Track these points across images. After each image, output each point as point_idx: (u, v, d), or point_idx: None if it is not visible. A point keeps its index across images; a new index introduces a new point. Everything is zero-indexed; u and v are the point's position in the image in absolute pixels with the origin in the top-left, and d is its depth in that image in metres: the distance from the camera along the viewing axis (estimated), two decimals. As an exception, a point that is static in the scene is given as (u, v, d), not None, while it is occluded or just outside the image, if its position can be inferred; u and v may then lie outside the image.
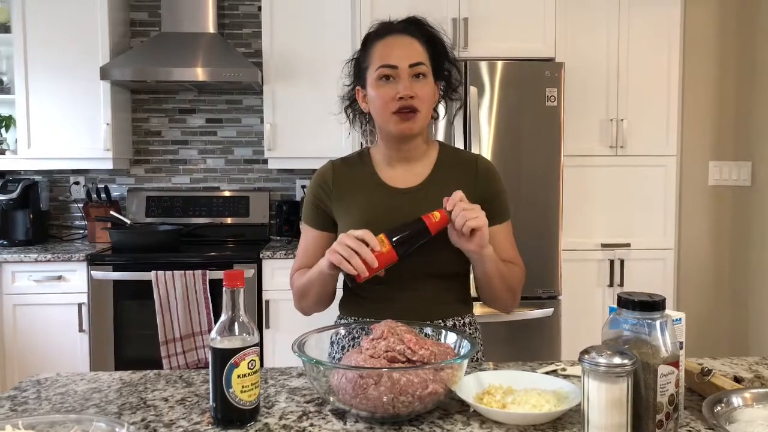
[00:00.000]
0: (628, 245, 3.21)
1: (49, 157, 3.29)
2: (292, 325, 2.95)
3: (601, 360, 0.88)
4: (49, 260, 2.99)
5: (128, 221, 3.34)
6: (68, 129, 3.27)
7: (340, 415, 1.05)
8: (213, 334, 1.00)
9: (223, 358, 0.98)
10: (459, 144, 2.87)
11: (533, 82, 2.92)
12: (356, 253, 1.19)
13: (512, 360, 1.37)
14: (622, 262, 3.19)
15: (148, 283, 2.90)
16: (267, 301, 3.06)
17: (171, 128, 3.67)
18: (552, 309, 2.95)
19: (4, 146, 3.43)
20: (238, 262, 3.06)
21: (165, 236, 3.28)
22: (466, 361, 1.04)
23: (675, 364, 0.93)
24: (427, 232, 1.25)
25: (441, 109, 1.51)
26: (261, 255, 3.06)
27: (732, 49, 3.51)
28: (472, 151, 2.80)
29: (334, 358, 1.36)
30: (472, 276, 1.43)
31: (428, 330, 1.21)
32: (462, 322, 1.44)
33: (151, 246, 3.16)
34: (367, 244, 1.20)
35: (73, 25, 3.23)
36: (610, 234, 3.21)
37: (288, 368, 1.31)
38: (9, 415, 1.08)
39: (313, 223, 1.46)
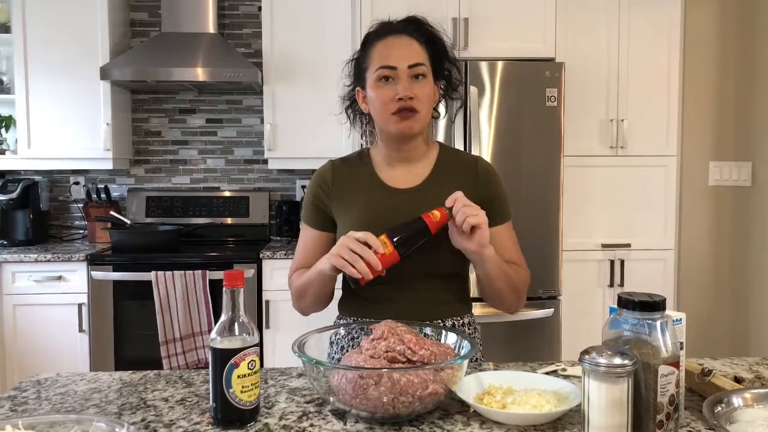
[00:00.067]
0: (628, 245, 3.21)
1: (49, 157, 3.29)
2: (292, 325, 2.95)
3: (602, 360, 0.88)
4: (49, 260, 2.99)
5: (128, 221, 3.34)
6: (68, 129, 3.27)
7: (340, 415, 1.05)
8: (213, 334, 1.00)
9: (223, 358, 0.98)
10: (459, 144, 2.87)
11: (533, 83, 2.92)
12: (360, 256, 1.19)
13: (512, 360, 1.37)
14: (622, 262, 3.19)
15: (148, 284, 2.90)
16: (267, 302, 3.06)
17: (171, 128, 3.67)
18: (552, 309, 2.95)
19: (4, 146, 3.43)
20: (238, 262, 3.06)
21: (165, 236, 3.28)
22: (466, 362, 1.04)
23: (675, 364, 0.93)
24: (428, 231, 1.25)
25: (441, 108, 1.51)
26: (261, 255, 3.06)
27: (732, 49, 3.51)
28: (473, 152, 2.81)
29: (333, 358, 1.37)
30: (472, 276, 1.43)
31: (428, 330, 1.21)
32: (461, 322, 1.44)
33: (151, 246, 3.16)
34: (370, 247, 1.20)
35: (73, 25, 3.23)
36: (610, 234, 3.21)
37: (288, 368, 1.31)
38: (9, 415, 1.07)
39: (312, 222, 1.46)
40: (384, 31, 1.40)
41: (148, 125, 3.66)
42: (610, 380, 0.88)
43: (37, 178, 3.47)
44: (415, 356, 1.04)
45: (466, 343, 1.13)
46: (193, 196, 3.56)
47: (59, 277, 3.01)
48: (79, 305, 3.00)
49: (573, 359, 1.30)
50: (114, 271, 2.99)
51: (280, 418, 1.05)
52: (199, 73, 3.13)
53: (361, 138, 1.65)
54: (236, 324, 1.00)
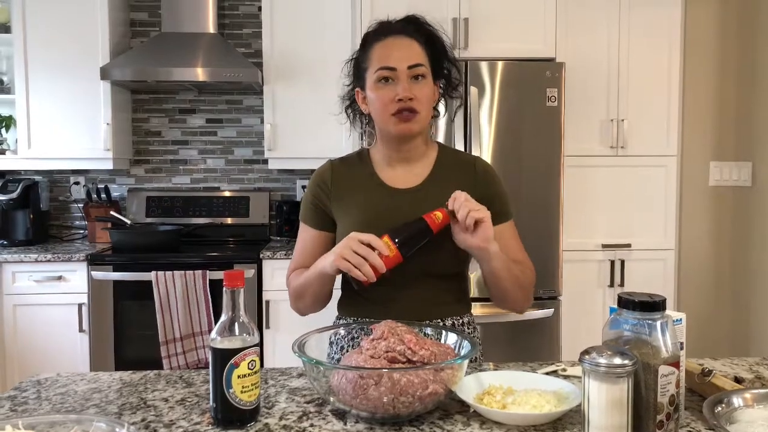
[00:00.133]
0: (628, 246, 3.21)
1: (50, 157, 3.29)
2: (292, 325, 2.95)
3: (602, 360, 0.88)
4: (49, 260, 2.99)
5: (128, 221, 3.34)
6: (68, 129, 3.27)
7: (341, 415, 1.05)
8: (213, 334, 1.00)
9: (224, 358, 0.98)
10: (460, 145, 2.87)
11: (534, 83, 2.92)
12: (365, 259, 1.19)
13: (512, 360, 1.37)
14: (622, 262, 3.19)
15: (148, 284, 2.90)
16: (267, 302, 3.06)
17: (171, 128, 3.67)
18: (552, 309, 2.95)
19: (4, 146, 3.43)
20: (238, 262, 3.06)
21: (165, 236, 3.28)
22: (466, 362, 1.04)
23: (675, 364, 0.93)
24: (430, 231, 1.25)
25: (441, 107, 1.51)
26: (261, 255, 3.06)
27: (732, 49, 3.51)
28: (473, 152, 2.81)
29: (333, 358, 1.37)
30: (472, 276, 1.43)
31: (429, 330, 1.21)
32: (461, 321, 1.44)
33: (151, 246, 3.16)
34: (374, 249, 1.20)
35: (74, 25, 3.23)
36: (610, 234, 3.21)
37: (288, 368, 1.31)
38: (9, 415, 1.07)
39: (311, 222, 1.46)
40: (383, 31, 1.39)
41: (149, 125, 3.66)
42: (610, 380, 0.88)
43: (37, 178, 3.47)
44: (415, 356, 1.04)
45: (466, 343, 1.13)
46: (193, 196, 3.56)
47: (59, 277, 3.01)
48: (80, 305, 3.00)
49: (573, 359, 1.30)
50: (114, 271, 2.99)
51: (281, 418, 1.05)
52: (199, 73, 3.13)
53: (361, 138, 1.65)
54: (236, 324, 1.00)
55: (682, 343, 0.99)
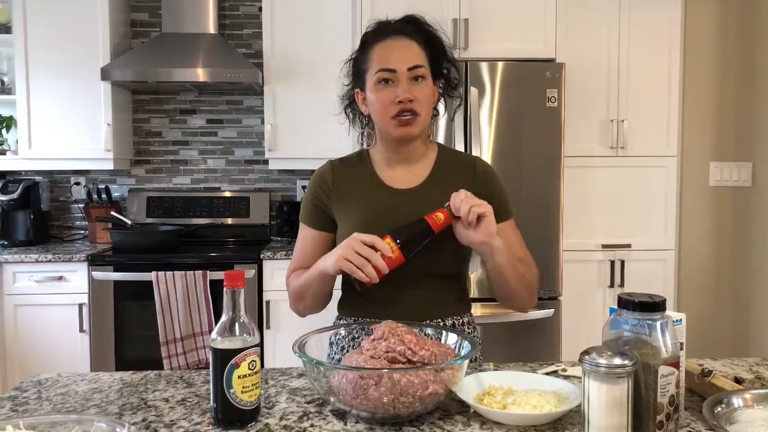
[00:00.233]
0: (628, 246, 3.21)
1: (50, 157, 3.29)
2: (292, 325, 2.94)
3: (602, 361, 0.88)
4: (49, 261, 3.00)
5: (129, 222, 3.35)
6: (69, 129, 3.27)
7: (341, 415, 1.05)
8: (214, 334, 1.01)
9: (224, 358, 0.98)
10: (460, 145, 2.87)
11: (534, 83, 2.92)
12: (368, 260, 1.19)
13: (512, 361, 1.37)
14: (622, 262, 3.19)
15: (148, 284, 2.90)
16: (267, 302, 3.06)
17: (172, 129, 3.67)
18: (552, 310, 2.95)
19: (5, 147, 3.43)
20: (238, 262, 3.06)
21: (165, 237, 3.29)
22: (466, 362, 1.04)
23: (675, 364, 0.93)
24: (431, 232, 1.26)
25: (440, 107, 1.51)
26: (261, 255, 3.06)
27: (732, 49, 3.51)
28: (473, 153, 2.81)
29: (333, 358, 1.37)
30: (472, 276, 1.43)
31: (429, 330, 1.21)
32: (461, 321, 1.44)
33: (151, 246, 3.16)
34: (376, 250, 1.21)
35: (74, 25, 3.23)
36: (610, 235, 3.21)
37: (288, 369, 1.31)
38: (10, 415, 1.08)
39: (311, 223, 1.46)
40: (382, 32, 1.39)
41: (149, 126, 3.66)
42: (610, 381, 0.88)
43: (37, 178, 3.47)
44: (415, 357, 1.04)
45: (466, 344, 1.13)
46: (194, 197, 3.56)
47: (60, 278, 3.01)
48: (80, 305, 3.00)
49: (573, 359, 1.30)
50: (114, 271, 2.99)
51: (281, 419, 1.05)
52: (200, 74, 3.13)
53: (360, 139, 1.65)
54: (237, 324, 1.01)
55: (682, 344, 0.99)
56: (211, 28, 3.34)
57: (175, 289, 2.90)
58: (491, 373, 1.19)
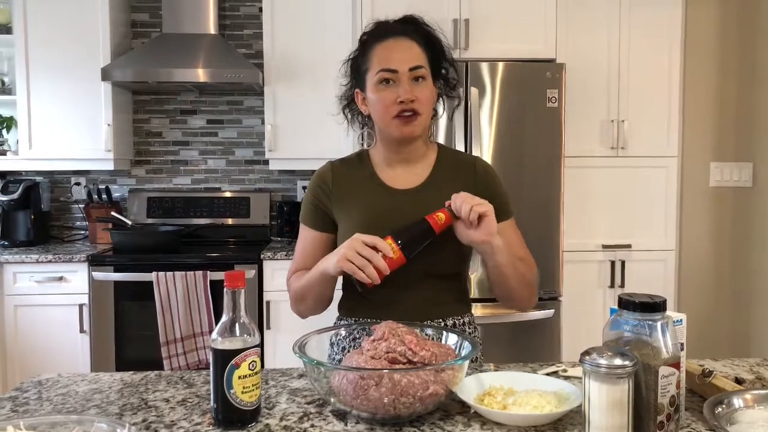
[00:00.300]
0: (629, 246, 3.21)
1: (50, 157, 3.29)
2: (292, 326, 2.93)
3: (602, 361, 0.88)
4: (50, 261, 3.00)
5: (129, 222, 3.35)
6: (69, 130, 3.27)
7: (341, 416, 1.05)
8: (214, 335, 1.01)
9: (224, 359, 0.98)
10: (460, 145, 2.87)
11: (534, 83, 2.92)
12: (369, 261, 1.19)
13: (513, 361, 1.37)
14: (623, 263, 3.19)
15: (149, 284, 2.90)
16: (268, 302, 3.06)
17: (172, 129, 3.67)
18: (553, 310, 2.95)
19: (5, 147, 3.43)
20: (239, 262, 3.06)
21: (166, 237, 3.29)
22: (467, 362, 1.04)
23: (676, 365, 0.93)
24: (432, 232, 1.26)
25: (440, 107, 1.51)
26: (262, 256, 3.06)
27: (733, 50, 3.51)
28: (473, 153, 2.81)
29: (333, 359, 1.37)
30: (472, 276, 1.43)
31: (429, 330, 1.21)
32: (462, 321, 1.44)
33: (151, 247, 3.16)
34: (377, 251, 1.21)
35: (74, 26, 3.24)
36: (611, 235, 3.21)
37: (289, 369, 1.31)
38: (10, 415, 1.08)
39: (312, 224, 1.46)
40: (382, 32, 1.39)
41: (149, 126, 3.66)
42: (611, 381, 0.88)
43: (38, 178, 3.47)
44: (415, 357, 1.04)
45: (466, 344, 1.13)
46: (194, 197, 3.56)
47: (60, 278, 3.01)
48: (80, 306, 3.00)
49: (573, 360, 1.30)
50: (115, 271, 2.99)
51: (281, 419, 1.05)
52: (200, 74, 3.13)
53: (360, 139, 1.65)
54: (237, 325, 1.01)
55: (682, 344, 0.99)
56: (212, 28, 3.34)
57: (176, 290, 2.90)
58: (492, 373, 1.19)
